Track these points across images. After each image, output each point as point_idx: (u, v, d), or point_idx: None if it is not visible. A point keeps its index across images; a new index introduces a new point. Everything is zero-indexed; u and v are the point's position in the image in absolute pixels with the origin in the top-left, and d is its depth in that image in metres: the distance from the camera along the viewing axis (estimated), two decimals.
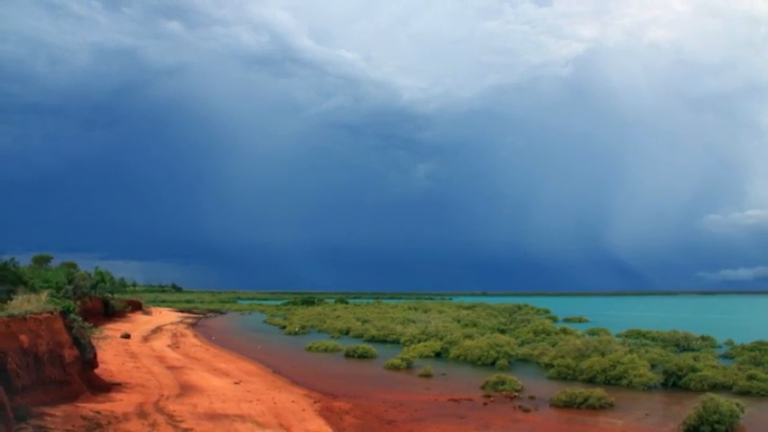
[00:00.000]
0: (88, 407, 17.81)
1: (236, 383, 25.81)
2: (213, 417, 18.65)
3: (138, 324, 58.21)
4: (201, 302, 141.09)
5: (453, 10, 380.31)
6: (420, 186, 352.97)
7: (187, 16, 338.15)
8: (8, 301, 18.72)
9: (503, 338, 38.06)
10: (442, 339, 40.64)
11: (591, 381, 27.38)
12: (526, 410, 21.62)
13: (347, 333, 54.00)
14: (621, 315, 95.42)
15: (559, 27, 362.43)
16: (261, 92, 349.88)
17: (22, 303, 18.67)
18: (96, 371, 22.32)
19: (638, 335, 48.35)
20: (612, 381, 27.04)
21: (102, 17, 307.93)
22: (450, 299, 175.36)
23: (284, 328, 61.93)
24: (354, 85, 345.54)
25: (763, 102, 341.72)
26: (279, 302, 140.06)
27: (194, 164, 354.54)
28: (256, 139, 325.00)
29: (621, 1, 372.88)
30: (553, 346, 36.06)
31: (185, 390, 23.45)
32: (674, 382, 26.94)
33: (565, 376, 28.86)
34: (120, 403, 19.40)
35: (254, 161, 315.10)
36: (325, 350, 41.00)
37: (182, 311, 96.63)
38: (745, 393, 24.50)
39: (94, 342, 22.57)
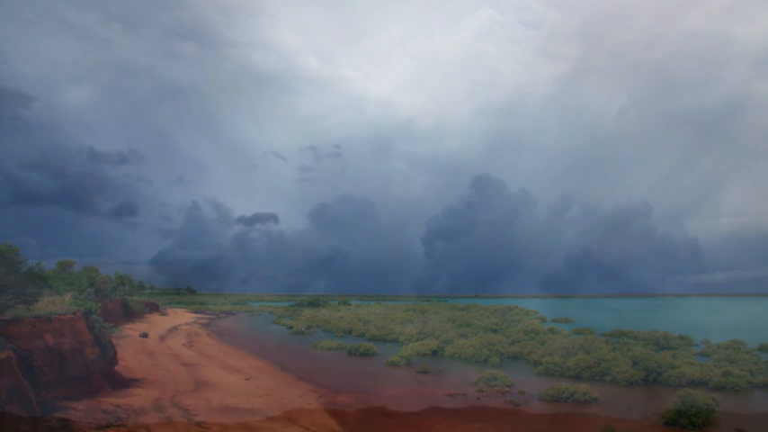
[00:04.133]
0: (109, 401, 17.77)
1: (246, 379, 25.74)
2: (225, 410, 18.59)
3: (155, 324, 58.03)
4: (214, 304, 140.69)
5: (449, 32, 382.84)
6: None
7: (202, 38, 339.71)
8: (34, 303, 18.73)
9: (495, 338, 38.01)
10: (438, 338, 40.54)
11: (577, 377, 27.35)
12: (516, 404, 21.58)
13: (350, 332, 53.85)
14: (605, 316, 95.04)
15: (547, 48, 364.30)
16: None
17: (48, 305, 18.71)
18: (116, 368, 22.29)
19: (621, 334, 48.11)
20: (597, 377, 27.00)
21: (121, 38, 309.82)
22: (446, 300, 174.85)
23: (291, 328, 61.79)
24: (357, 102, 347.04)
25: (737, 117, 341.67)
26: (287, 304, 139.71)
27: None
28: None
29: (605, 24, 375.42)
30: (542, 344, 35.99)
31: (199, 385, 23.37)
32: (654, 378, 26.89)
33: (552, 373, 28.78)
34: (138, 398, 19.35)
35: None
36: (330, 348, 40.89)
37: (196, 313, 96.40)
38: (720, 388, 24.47)
39: (114, 341, 22.58)
